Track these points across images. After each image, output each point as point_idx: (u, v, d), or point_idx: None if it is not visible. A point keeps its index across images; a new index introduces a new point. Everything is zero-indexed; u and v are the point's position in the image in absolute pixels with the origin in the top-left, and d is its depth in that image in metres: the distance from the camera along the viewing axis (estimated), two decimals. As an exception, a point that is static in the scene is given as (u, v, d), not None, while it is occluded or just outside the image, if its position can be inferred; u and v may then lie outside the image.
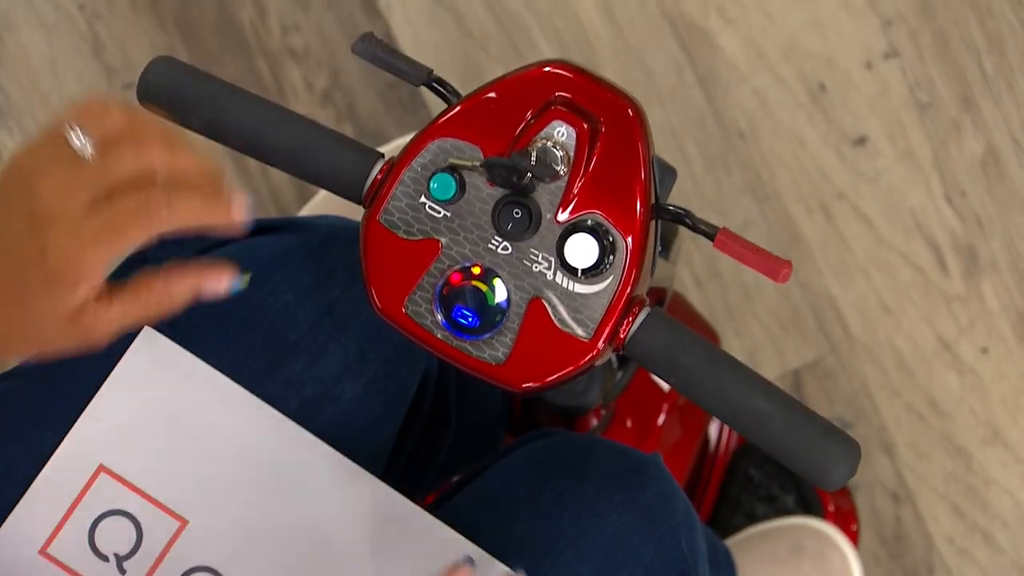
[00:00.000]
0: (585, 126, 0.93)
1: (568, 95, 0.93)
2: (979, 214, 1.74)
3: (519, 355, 0.94)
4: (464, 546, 1.03)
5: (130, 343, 1.03)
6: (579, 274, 0.93)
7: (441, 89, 0.96)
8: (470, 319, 0.93)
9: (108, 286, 0.87)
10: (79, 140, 0.86)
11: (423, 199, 0.94)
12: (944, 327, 1.74)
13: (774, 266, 0.91)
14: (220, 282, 0.91)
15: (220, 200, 0.86)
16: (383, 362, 1.10)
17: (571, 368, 0.94)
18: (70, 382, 1.05)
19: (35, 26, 1.80)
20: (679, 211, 0.94)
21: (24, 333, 0.89)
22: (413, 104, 1.79)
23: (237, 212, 0.87)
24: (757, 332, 1.75)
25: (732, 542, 1.64)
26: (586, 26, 1.77)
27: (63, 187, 0.85)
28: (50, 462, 1.02)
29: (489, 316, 0.93)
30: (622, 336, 0.93)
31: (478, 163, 0.93)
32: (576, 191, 0.92)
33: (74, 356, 0.90)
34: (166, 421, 1.03)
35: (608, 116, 0.93)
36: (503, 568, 1.03)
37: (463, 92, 0.95)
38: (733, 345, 1.74)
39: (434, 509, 1.06)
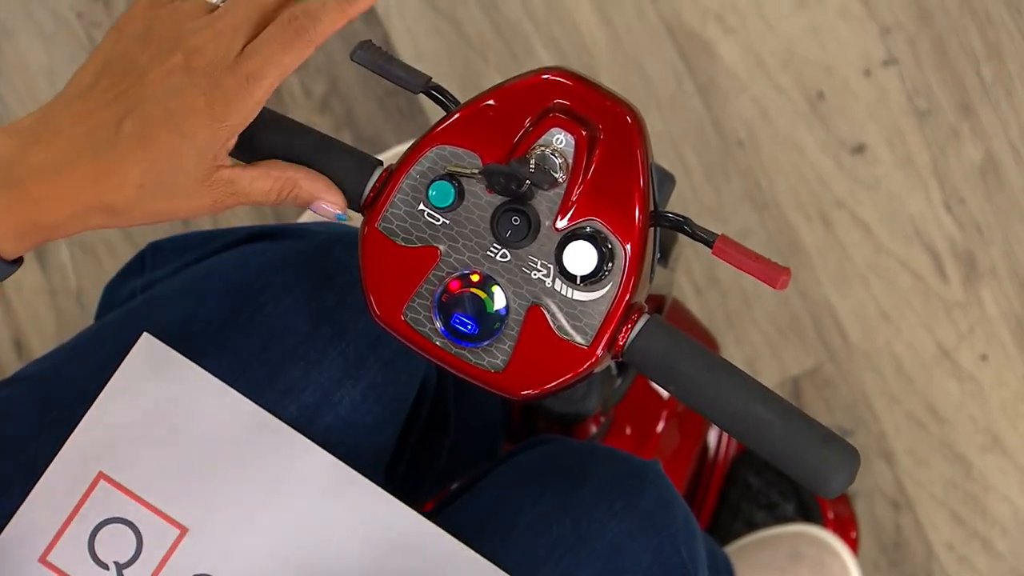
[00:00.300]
0: (584, 133, 0.93)
1: (567, 102, 0.93)
2: (978, 221, 1.75)
3: (518, 362, 0.94)
4: (463, 553, 1.03)
5: (128, 350, 1.04)
6: (578, 281, 0.93)
7: (440, 96, 0.96)
8: (469, 326, 0.93)
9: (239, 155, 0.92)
10: None
11: (422, 206, 0.94)
12: (943, 334, 1.74)
13: (773, 273, 0.91)
14: (336, 202, 0.95)
15: None
16: (382, 368, 1.10)
17: (570, 375, 0.93)
18: (69, 390, 1.05)
19: (33, 34, 1.80)
20: (678, 218, 0.94)
21: (165, 186, 0.89)
22: (412, 111, 1.79)
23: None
24: (756, 339, 1.75)
25: (731, 549, 1.64)
26: (584, 34, 1.77)
27: (212, 39, 0.88)
28: (49, 470, 1.02)
29: (488, 323, 0.93)
30: (621, 343, 0.93)
31: (477, 170, 0.93)
32: (575, 198, 0.92)
33: (195, 217, 0.93)
34: (165, 428, 1.03)
35: (607, 123, 0.93)
36: (503, 575, 1.03)
37: (462, 99, 0.95)
38: (732, 352, 1.74)
39: (433, 516, 1.06)
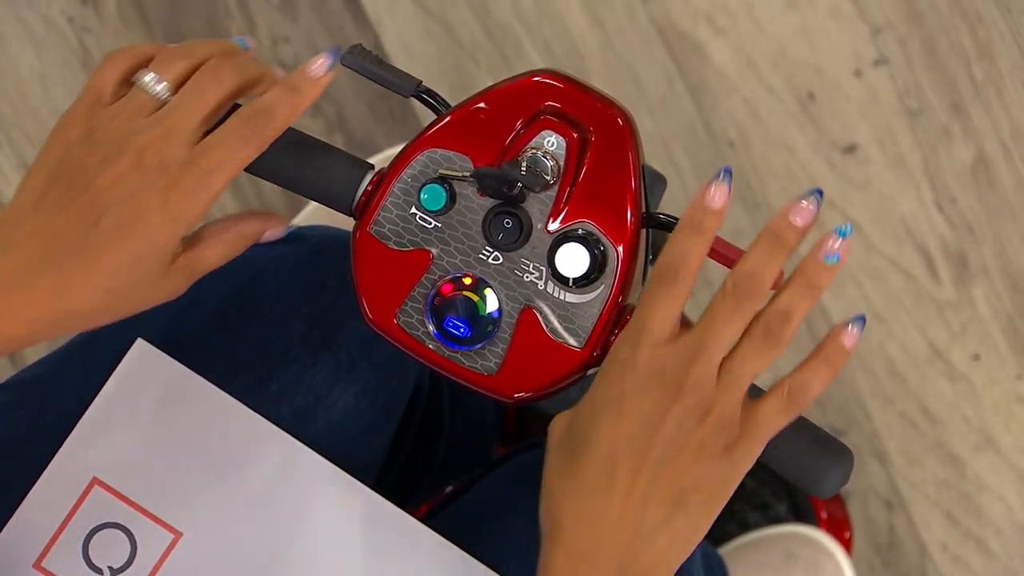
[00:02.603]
0: (575, 136, 0.93)
1: (557, 105, 0.93)
2: (969, 221, 1.75)
3: (511, 365, 0.94)
4: (458, 557, 1.03)
5: (121, 356, 1.04)
6: (570, 283, 0.93)
7: (430, 100, 0.96)
8: (462, 329, 0.94)
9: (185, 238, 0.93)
10: (158, 85, 0.92)
11: (413, 210, 0.94)
12: (936, 334, 1.74)
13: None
14: (279, 226, 0.99)
15: (302, 77, 0.91)
16: (375, 372, 1.10)
17: (563, 377, 0.94)
18: (62, 395, 1.05)
19: (24, 40, 1.80)
20: (670, 220, 0.94)
21: (130, 286, 0.90)
22: (403, 114, 1.79)
23: (318, 70, 0.92)
24: (749, 340, 1.75)
25: (725, 550, 1.64)
26: (575, 36, 1.77)
27: (163, 137, 0.89)
28: (43, 475, 1.02)
29: (481, 326, 0.93)
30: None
31: (468, 174, 0.93)
32: (566, 201, 0.93)
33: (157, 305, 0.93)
34: (159, 433, 1.03)
35: (598, 126, 0.93)
36: (497, 578, 1.03)
37: (453, 102, 0.96)
38: (725, 353, 1.74)
39: (428, 520, 1.06)
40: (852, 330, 0.88)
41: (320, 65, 0.91)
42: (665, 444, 0.87)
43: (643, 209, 0.94)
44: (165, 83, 0.92)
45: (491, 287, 0.93)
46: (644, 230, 0.94)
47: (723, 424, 0.87)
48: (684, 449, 0.87)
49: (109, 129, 0.90)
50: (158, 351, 1.04)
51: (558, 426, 0.92)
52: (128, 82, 0.93)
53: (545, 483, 0.92)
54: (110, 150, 0.89)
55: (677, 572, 0.92)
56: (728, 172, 0.89)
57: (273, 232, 0.99)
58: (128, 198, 0.88)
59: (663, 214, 0.95)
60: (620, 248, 0.92)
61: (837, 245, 0.88)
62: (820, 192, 0.89)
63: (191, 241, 0.94)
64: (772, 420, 0.88)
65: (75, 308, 0.89)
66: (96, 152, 0.89)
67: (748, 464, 0.88)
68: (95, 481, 1.02)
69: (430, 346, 0.94)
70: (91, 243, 0.88)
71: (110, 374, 1.03)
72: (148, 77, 0.92)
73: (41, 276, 0.88)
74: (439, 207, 0.93)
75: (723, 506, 0.88)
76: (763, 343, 0.87)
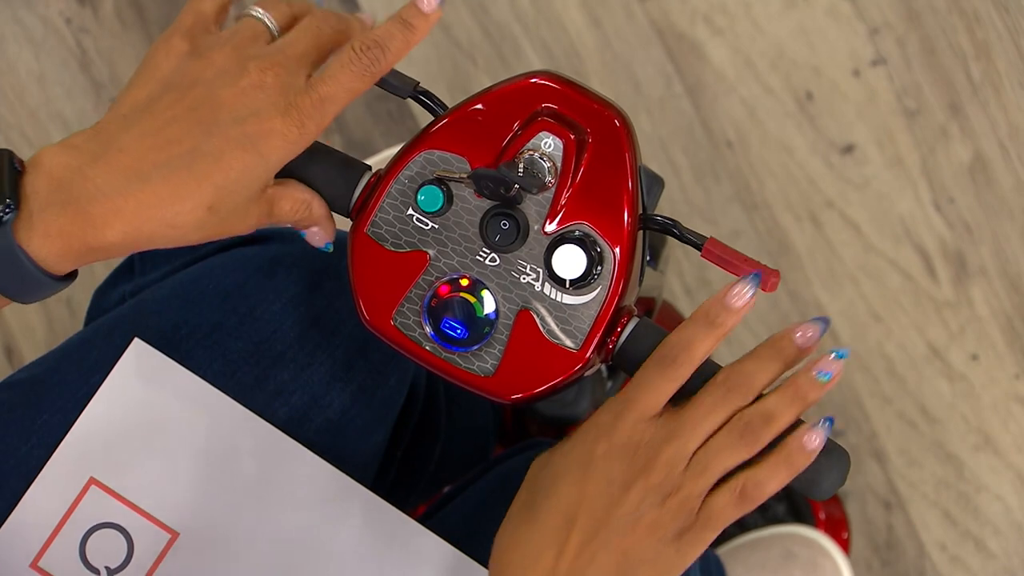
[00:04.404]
0: (572, 137, 0.93)
1: (555, 106, 0.93)
2: (968, 220, 1.75)
3: (508, 367, 0.94)
4: (455, 557, 1.03)
5: (118, 355, 1.04)
6: (567, 285, 0.93)
7: (428, 101, 0.96)
8: (458, 331, 0.93)
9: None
10: (270, 21, 0.93)
11: (410, 211, 0.94)
12: (934, 334, 1.74)
13: (762, 276, 0.91)
14: (330, 234, 0.98)
15: (414, 12, 0.91)
16: (371, 372, 1.10)
17: (560, 379, 0.94)
18: (59, 395, 1.05)
19: (23, 41, 1.80)
20: (667, 221, 0.94)
21: (230, 207, 0.89)
22: (401, 115, 1.79)
23: (429, 5, 0.91)
24: (747, 340, 1.75)
25: (723, 551, 1.64)
26: (574, 37, 1.77)
27: (282, 63, 0.89)
28: (40, 475, 1.02)
29: (477, 328, 0.93)
30: (611, 347, 0.93)
31: (465, 175, 0.93)
32: (563, 202, 0.93)
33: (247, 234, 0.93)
34: (156, 433, 1.03)
35: (595, 127, 0.93)
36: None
37: (451, 103, 0.96)
38: (722, 353, 1.74)
39: (425, 520, 1.06)
40: (817, 432, 0.90)
41: (430, 2, 0.91)
42: (622, 516, 0.89)
43: (640, 210, 0.94)
44: (275, 20, 0.93)
45: (488, 288, 0.93)
46: (641, 232, 0.94)
47: (682, 510, 0.89)
48: (639, 524, 0.89)
49: (225, 50, 0.90)
50: (155, 351, 1.04)
51: (534, 466, 0.95)
52: (221, 16, 0.95)
53: (506, 518, 0.94)
54: (231, 67, 0.89)
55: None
56: (757, 277, 0.90)
57: (320, 236, 0.97)
58: (251, 116, 0.87)
59: (660, 216, 0.94)
60: (617, 250, 0.92)
61: (832, 366, 0.90)
62: (827, 320, 0.92)
63: (279, 181, 0.93)
64: (724, 514, 0.89)
65: (173, 220, 0.87)
66: (214, 67, 0.89)
67: (696, 553, 0.90)
68: (92, 481, 1.02)
69: (427, 347, 0.94)
70: (207, 154, 0.87)
71: (107, 374, 1.03)
72: (261, 11, 0.93)
73: (148, 182, 0.86)
74: (436, 208, 0.93)
75: None
76: (740, 440, 0.89)
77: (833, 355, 0.90)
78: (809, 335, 0.90)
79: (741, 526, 1.67)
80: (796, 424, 0.90)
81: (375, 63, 0.89)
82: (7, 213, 0.85)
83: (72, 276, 0.89)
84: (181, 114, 0.88)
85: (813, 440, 0.89)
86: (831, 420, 0.91)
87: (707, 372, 0.92)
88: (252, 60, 0.89)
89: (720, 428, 0.90)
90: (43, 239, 0.85)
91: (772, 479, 0.89)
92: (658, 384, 0.90)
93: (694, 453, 0.89)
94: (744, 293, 0.90)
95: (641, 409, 0.90)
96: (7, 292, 0.87)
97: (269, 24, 0.93)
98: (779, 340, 0.91)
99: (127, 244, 0.87)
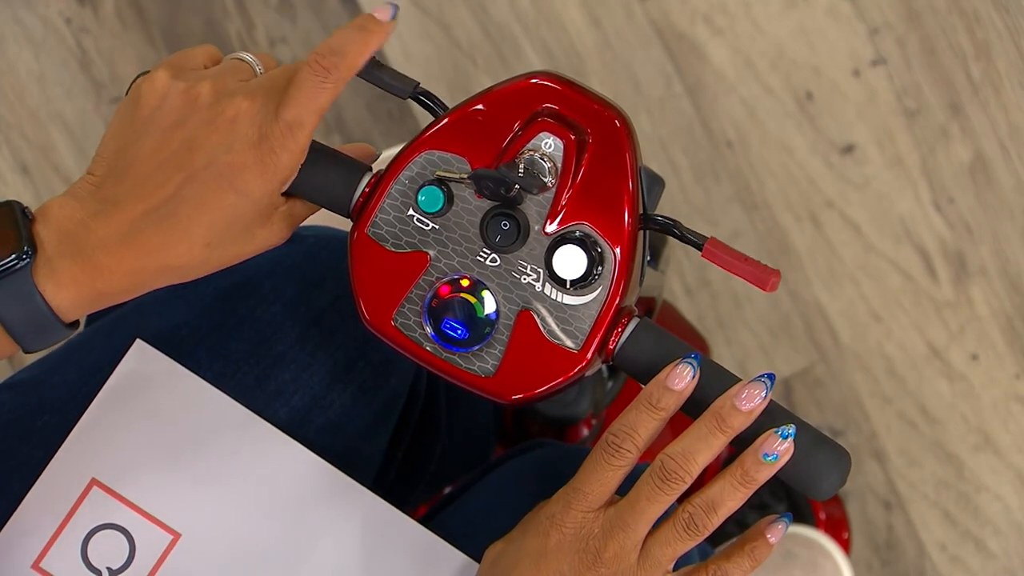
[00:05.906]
0: (572, 137, 0.93)
1: (555, 107, 0.93)
2: (968, 220, 1.75)
3: (508, 367, 0.94)
4: (456, 557, 1.03)
5: (120, 356, 1.04)
6: (568, 285, 0.93)
7: (428, 101, 0.96)
8: (459, 331, 0.93)
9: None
10: (257, 65, 0.95)
11: (411, 212, 0.94)
12: (934, 334, 1.74)
13: (762, 275, 0.91)
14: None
15: (368, 18, 0.91)
16: (371, 372, 1.10)
17: (560, 380, 0.93)
18: (60, 395, 1.05)
19: (23, 41, 1.80)
20: (667, 221, 0.94)
21: (229, 238, 0.91)
22: (401, 115, 1.79)
23: (384, 14, 0.92)
24: (747, 341, 1.75)
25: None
26: (574, 37, 1.77)
27: (249, 97, 0.90)
28: (42, 476, 1.02)
29: (478, 328, 0.93)
30: (611, 347, 0.93)
31: (465, 175, 0.93)
32: (564, 202, 0.92)
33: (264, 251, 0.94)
34: (157, 434, 1.03)
35: (595, 127, 0.93)
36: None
37: (451, 103, 0.95)
38: (723, 354, 1.74)
39: (426, 521, 1.06)
40: (778, 526, 0.92)
41: (384, 11, 0.91)
42: None
43: (640, 211, 0.94)
44: (261, 63, 0.95)
45: (488, 289, 0.93)
46: (641, 232, 0.94)
47: None
48: None
49: (204, 84, 0.91)
50: (156, 351, 1.04)
51: (489, 554, 0.97)
52: (208, 65, 0.96)
53: None
54: (208, 102, 0.90)
55: (678, 570, 0.93)
56: (697, 358, 0.91)
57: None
58: (224, 152, 0.89)
59: (661, 216, 0.94)
60: (618, 250, 0.92)
61: (778, 446, 0.90)
62: (772, 376, 0.91)
63: (290, 197, 0.94)
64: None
65: (174, 263, 0.90)
66: (192, 104, 0.90)
67: None
68: (94, 482, 1.02)
69: (427, 348, 0.94)
70: (189, 199, 0.89)
71: (108, 374, 1.03)
72: (249, 56, 0.95)
73: (143, 232, 0.89)
74: (436, 209, 0.93)
75: None
76: (684, 532, 0.90)
77: (778, 435, 0.90)
78: (751, 397, 0.90)
79: (741, 525, 1.67)
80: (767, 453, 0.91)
81: (333, 69, 0.89)
82: (24, 259, 0.87)
83: (76, 325, 0.92)
84: (165, 160, 0.90)
85: (774, 533, 0.92)
86: (789, 516, 0.93)
87: (705, 401, 0.92)
88: (227, 95, 0.90)
89: (666, 520, 0.91)
90: (57, 287, 0.88)
91: (736, 570, 0.92)
92: (604, 473, 0.91)
93: (644, 543, 0.91)
94: (684, 375, 0.90)
95: (590, 500, 0.92)
96: (21, 337, 0.90)
97: (253, 64, 0.95)
98: (719, 410, 0.90)
99: (136, 288, 0.90)
